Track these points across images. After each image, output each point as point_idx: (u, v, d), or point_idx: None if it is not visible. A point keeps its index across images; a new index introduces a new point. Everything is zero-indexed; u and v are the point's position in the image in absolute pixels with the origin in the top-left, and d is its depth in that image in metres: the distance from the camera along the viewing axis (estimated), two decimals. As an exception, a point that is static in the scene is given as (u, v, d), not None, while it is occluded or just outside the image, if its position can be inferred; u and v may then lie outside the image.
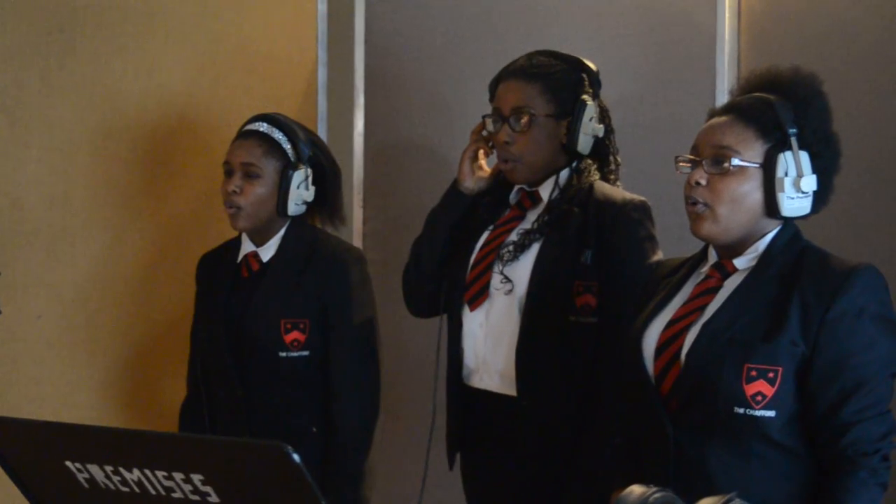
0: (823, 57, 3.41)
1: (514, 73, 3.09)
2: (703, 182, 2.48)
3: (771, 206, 2.47)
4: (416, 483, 3.21)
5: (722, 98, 3.47)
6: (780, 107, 2.48)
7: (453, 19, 4.01)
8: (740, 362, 2.39)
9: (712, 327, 2.45)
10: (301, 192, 3.30)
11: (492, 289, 3.06)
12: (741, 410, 2.39)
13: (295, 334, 3.26)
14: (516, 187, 3.14)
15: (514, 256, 3.04)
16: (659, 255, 3.01)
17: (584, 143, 3.07)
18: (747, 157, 2.47)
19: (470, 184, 3.16)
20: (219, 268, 3.41)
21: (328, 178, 3.38)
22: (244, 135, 3.36)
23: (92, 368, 3.84)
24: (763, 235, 2.51)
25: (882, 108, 3.38)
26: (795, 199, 2.47)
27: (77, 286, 3.81)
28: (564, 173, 3.09)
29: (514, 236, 3.08)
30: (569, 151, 3.08)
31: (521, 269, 3.03)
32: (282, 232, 3.34)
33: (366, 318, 3.31)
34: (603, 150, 3.13)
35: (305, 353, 3.26)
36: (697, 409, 2.43)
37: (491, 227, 3.13)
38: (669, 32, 3.67)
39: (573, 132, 3.05)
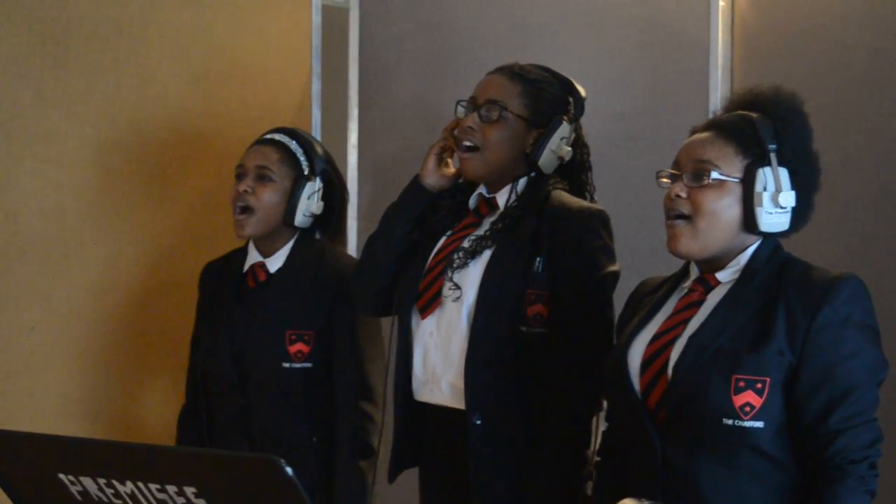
0: (816, 71, 3.42)
1: (501, 70, 3.04)
2: (683, 195, 2.50)
3: (749, 221, 2.49)
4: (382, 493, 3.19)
5: (715, 112, 3.48)
6: (761, 123, 2.51)
7: (447, 32, 4.01)
8: (728, 373, 2.40)
9: (699, 339, 2.46)
10: (310, 203, 3.34)
11: (443, 296, 2.95)
12: (730, 422, 2.39)
13: (299, 346, 3.27)
14: (476, 192, 3.05)
15: (464, 263, 2.94)
16: (615, 267, 2.91)
17: (547, 160, 2.97)
18: (727, 171, 2.50)
19: (432, 180, 3.07)
20: (224, 277, 3.43)
21: (337, 195, 3.43)
22: (261, 142, 3.40)
23: (86, 381, 3.84)
24: (744, 249, 2.53)
25: (875, 122, 3.38)
26: (774, 215, 2.49)
27: (71, 298, 3.81)
28: (523, 181, 3.00)
29: (466, 242, 2.98)
30: (530, 163, 2.98)
31: (471, 277, 2.92)
32: (290, 244, 3.38)
33: (371, 333, 3.32)
34: (576, 184, 3.05)
35: (308, 364, 3.28)
36: (685, 421, 2.44)
37: (448, 233, 3.04)
38: (663, 46, 3.67)
39: (540, 144, 2.96)
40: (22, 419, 3.66)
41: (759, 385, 2.39)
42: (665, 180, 2.56)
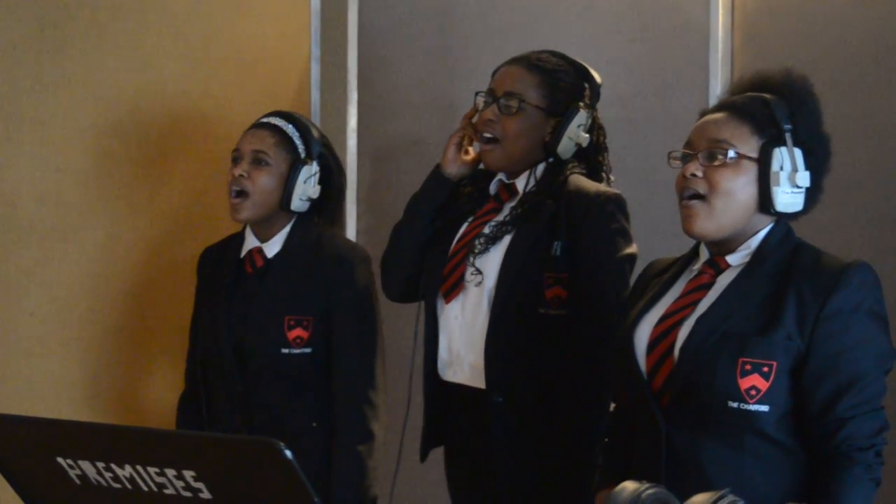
0: (816, 53, 3.42)
1: (518, 60, 3.10)
2: (699, 174, 2.48)
3: (765, 201, 2.48)
4: (391, 475, 3.21)
5: (715, 95, 3.47)
6: (776, 104, 2.50)
7: (447, 15, 4.01)
8: (735, 356, 2.40)
9: (706, 322, 2.45)
10: (307, 187, 3.31)
11: (466, 281, 3.06)
12: (735, 405, 2.39)
13: (298, 331, 3.26)
14: (496, 178, 3.13)
15: (486, 248, 3.03)
16: (632, 250, 2.99)
17: (565, 147, 3.06)
18: (743, 150, 2.48)
19: (453, 169, 3.15)
20: (221, 262, 3.41)
21: (334, 180, 3.41)
22: (257, 125, 3.38)
23: (84, 365, 3.84)
24: (755, 233, 2.52)
25: (875, 105, 3.38)
26: (790, 195, 2.48)
27: (69, 283, 3.80)
28: (541, 167, 3.08)
29: (487, 228, 3.07)
30: (548, 151, 3.07)
31: (492, 261, 3.02)
32: (287, 228, 3.35)
33: (370, 318, 3.32)
34: (593, 165, 3.12)
35: (308, 350, 3.26)
36: (691, 403, 2.43)
37: (470, 219, 3.13)
38: (663, 29, 3.67)
39: (558, 132, 3.04)
40: (20, 404, 3.65)
41: (766, 369, 2.39)
42: (677, 161, 2.54)
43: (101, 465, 2.00)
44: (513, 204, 3.08)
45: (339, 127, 4.15)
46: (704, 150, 2.50)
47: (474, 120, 3.15)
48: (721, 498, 1.80)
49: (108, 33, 3.86)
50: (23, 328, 3.72)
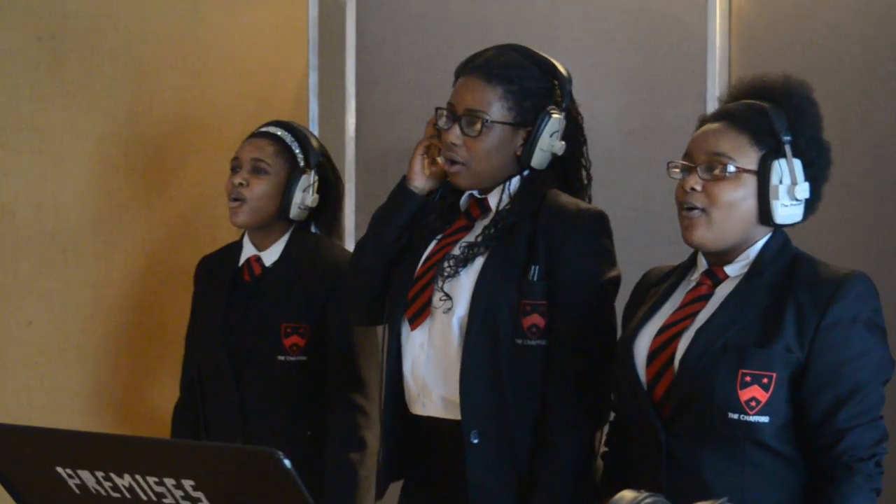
0: (814, 61, 3.42)
1: (477, 69, 2.81)
2: (699, 188, 2.47)
3: (764, 214, 2.47)
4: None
5: (713, 103, 3.47)
6: (774, 114, 2.48)
7: (444, 23, 4.01)
8: (735, 368, 2.39)
9: (706, 333, 2.45)
10: (305, 196, 3.34)
11: (433, 307, 2.79)
12: (735, 416, 2.39)
13: (294, 339, 3.27)
14: (466, 193, 2.86)
15: (455, 271, 2.77)
16: (616, 272, 2.77)
17: (539, 159, 2.79)
18: (742, 163, 2.47)
19: (420, 182, 2.89)
20: (219, 270, 3.43)
21: (332, 189, 3.43)
22: (257, 134, 3.41)
23: (83, 374, 3.84)
24: (753, 243, 2.51)
25: (872, 112, 3.38)
26: (789, 207, 2.47)
27: (68, 292, 3.80)
28: (515, 181, 2.81)
29: (457, 249, 2.80)
30: (522, 165, 2.80)
31: (462, 287, 2.75)
32: (285, 237, 3.38)
33: (366, 328, 3.28)
34: (572, 165, 2.88)
35: (303, 358, 3.27)
36: (691, 414, 2.43)
37: (438, 237, 2.86)
38: (660, 37, 3.66)
39: (529, 146, 2.77)
40: (19, 413, 3.65)
41: (766, 380, 2.39)
42: (677, 171, 2.53)
43: (100, 474, 2.00)
44: (485, 222, 2.81)
45: (337, 136, 4.15)
46: (703, 163, 2.48)
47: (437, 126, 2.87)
48: (720, 506, 1.80)
49: (105, 43, 3.86)
50: (21, 337, 3.72)
